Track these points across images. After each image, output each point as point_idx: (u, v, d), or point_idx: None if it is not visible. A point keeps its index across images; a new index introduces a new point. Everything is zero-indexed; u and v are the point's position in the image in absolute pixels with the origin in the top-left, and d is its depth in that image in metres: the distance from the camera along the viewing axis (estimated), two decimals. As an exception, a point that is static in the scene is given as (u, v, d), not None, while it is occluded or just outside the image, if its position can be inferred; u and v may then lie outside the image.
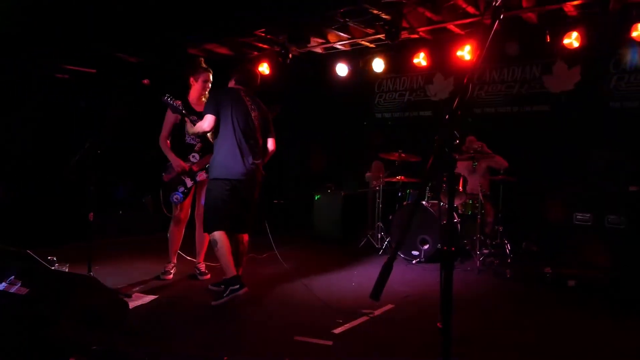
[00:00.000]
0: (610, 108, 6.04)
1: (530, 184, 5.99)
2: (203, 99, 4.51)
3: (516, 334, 3.44)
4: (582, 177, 5.52)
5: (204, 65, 4.61)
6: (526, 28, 6.29)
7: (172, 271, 4.60)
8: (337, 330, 3.33)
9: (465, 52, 6.67)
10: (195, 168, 4.45)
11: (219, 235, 3.81)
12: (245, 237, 4.10)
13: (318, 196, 7.41)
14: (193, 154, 4.46)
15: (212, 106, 3.94)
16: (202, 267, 4.68)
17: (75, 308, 2.72)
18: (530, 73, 6.79)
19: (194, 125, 4.04)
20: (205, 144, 4.41)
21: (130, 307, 3.62)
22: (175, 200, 4.42)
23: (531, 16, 6.09)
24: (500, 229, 5.77)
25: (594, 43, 5.96)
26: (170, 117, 4.48)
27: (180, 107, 4.14)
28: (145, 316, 3.57)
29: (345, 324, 3.43)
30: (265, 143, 4.25)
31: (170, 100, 4.17)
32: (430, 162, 1.48)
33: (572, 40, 5.92)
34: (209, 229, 3.91)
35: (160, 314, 3.66)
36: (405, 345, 3.19)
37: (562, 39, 5.97)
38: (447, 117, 1.46)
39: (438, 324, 1.51)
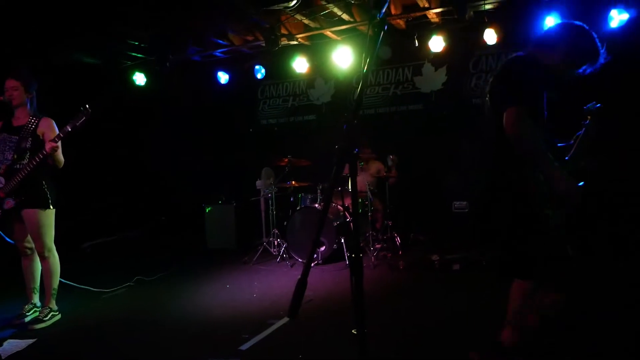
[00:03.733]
0: (472, 104, 6.68)
1: (410, 178, 6.40)
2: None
3: (421, 319, 3.64)
4: (456, 168, 6.01)
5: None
6: (396, 33, 6.71)
7: (29, 314, 3.95)
8: (244, 347, 3.25)
9: (343, 57, 6.92)
10: (1, 194, 3.77)
11: None
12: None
13: (209, 208, 7.21)
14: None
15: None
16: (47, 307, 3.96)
17: None
18: (403, 75, 7.28)
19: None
20: (12, 165, 3.75)
21: (3, 358, 3.22)
22: None
23: (400, 22, 6.52)
24: (390, 223, 6.10)
25: (455, 46, 6.56)
26: None
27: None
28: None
29: (252, 338, 3.37)
30: None
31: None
32: (334, 172, 1.50)
33: (437, 44, 6.44)
34: None
35: None
36: (316, 352, 3.21)
37: (428, 43, 6.47)
38: (345, 127, 1.49)
39: (353, 331, 1.53)
